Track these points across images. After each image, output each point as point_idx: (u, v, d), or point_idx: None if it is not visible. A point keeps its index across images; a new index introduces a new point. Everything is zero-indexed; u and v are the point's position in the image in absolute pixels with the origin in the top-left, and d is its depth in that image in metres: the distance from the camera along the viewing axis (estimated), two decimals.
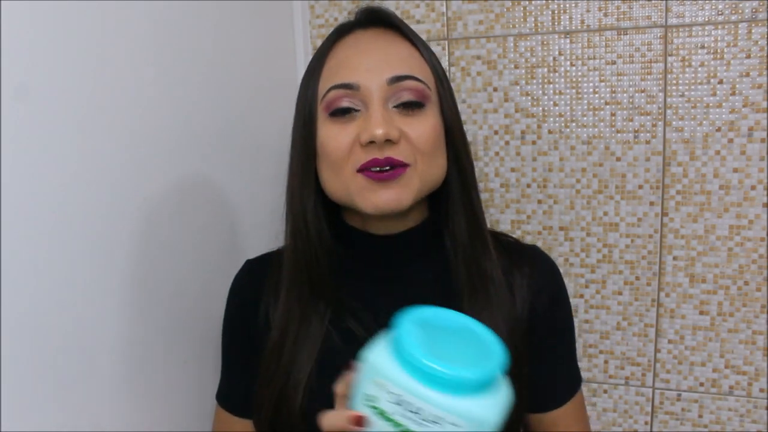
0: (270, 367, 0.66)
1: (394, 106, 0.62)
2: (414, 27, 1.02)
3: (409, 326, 0.47)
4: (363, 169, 0.61)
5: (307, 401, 0.63)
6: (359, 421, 0.47)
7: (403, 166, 0.61)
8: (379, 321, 0.65)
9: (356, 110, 0.62)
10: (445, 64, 1.01)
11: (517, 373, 0.62)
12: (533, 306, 0.68)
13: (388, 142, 0.60)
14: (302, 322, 0.66)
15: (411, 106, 0.62)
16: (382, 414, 0.45)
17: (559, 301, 0.72)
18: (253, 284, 0.72)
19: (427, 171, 0.63)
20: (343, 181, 0.62)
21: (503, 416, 0.46)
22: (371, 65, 0.62)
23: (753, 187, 0.91)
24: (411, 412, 0.44)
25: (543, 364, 0.69)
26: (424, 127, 0.62)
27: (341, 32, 0.67)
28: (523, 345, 0.66)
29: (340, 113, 0.62)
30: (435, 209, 0.69)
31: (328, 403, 0.62)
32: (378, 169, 0.60)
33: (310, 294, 0.66)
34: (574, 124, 0.97)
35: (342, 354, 0.63)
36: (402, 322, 0.47)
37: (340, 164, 0.62)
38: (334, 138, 0.62)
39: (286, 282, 0.67)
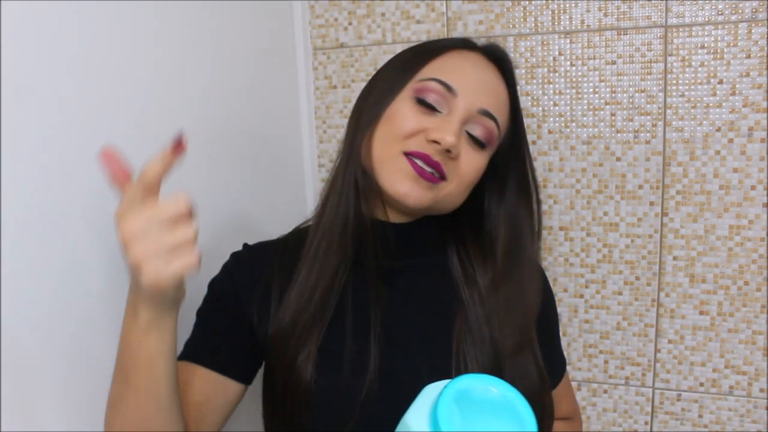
0: (282, 343, 0.66)
1: (466, 131, 0.66)
2: (414, 27, 1.02)
3: (449, 404, 0.48)
4: (411, 155, 0.64)
5: (315, 377, 0.64)
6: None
7: (442, 178, 0.65)
8: (381, 312, 0.67)
9: (439, 111, 0.66)
10: None
11: (543, 387, 0.68)
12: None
13: (447, 152, 0.64)
14: (329, 283, 0.67)
15: (476, 142, 0.67)
16: None
17: (549, 298, 0.78)
18: (252, 266, 0.71)
19: (453, 195, 0.67)
20: (386, 152, 0.65)
21: None
22: (477, 87, 0.67)
23: (753, 187, 0.91)
24: None
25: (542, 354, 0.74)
26: (477, 162, 0.67)
27: (467, 45, 0.71)
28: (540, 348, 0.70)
29: (425, 105, 0.66)
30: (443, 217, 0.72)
31: (332, 384, 0.63)
32: (422, 164, 0.64)
33: (342, 254, 0.67)
34: (574, 124, 0.97)
35: (346, 338, 0.65)
36: (443, 398, 0.48)
37: (395, 140, 0.65)
38: (408, 117, 0.65)
39: (324, 241, 0.68)
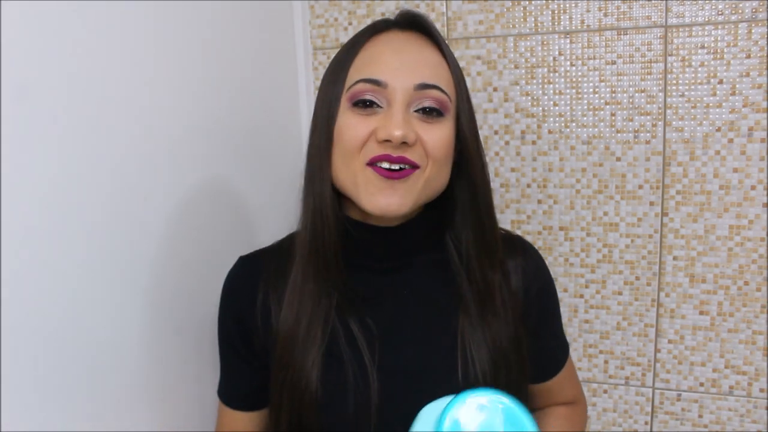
0: (284, 354, 0.67)
1: (415, 110, 0.64)
2: None
3: None
4: (373, 163, 0.63)
5: (319, 392, 0.65)
6: None
7: (414, 167, 0.63)
8: (380, 313, 0.67)
9: (379, 106, 0.64)
10: None
11: (519, 352, 0.68)
12: (527, 289, 0.73)
13: (404, 144, 0.62)
14: (314, 307, 0.67)
15: (431, 114, 0.64)
16: None
17: (547, 283, 0.77)
18: (248, 280, 0.72)
19: (434, 178, 0.65)
20: (352, 172, 0.64)
21: None
22: (402, 67, 0.64)
23: (753, 187, 0.91)
24: None
25: (539, 340, 0.74)
26: (439, 135, 0.65)
27: (378, 29, 0.69)
28: (522, 327, 0.70)
29: (363, 106, 0.64)
30: (433, 202, 0.71)
31: (333, 392, 0.64)
32: (388, 165, 0.62)
33: (323, 276, 0.67)
34: (574, 124, 0.97)
35: (342, 347, 0.66)
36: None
37: (352, 154, 0.64)
38: (353, 128, 0.64)
39: (301, 264, 0.68)
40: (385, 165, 0.62)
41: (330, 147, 0.66)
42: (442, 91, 0.65)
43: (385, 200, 0.62)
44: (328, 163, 0.66)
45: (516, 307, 0.70)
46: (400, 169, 0.62)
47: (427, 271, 0.71)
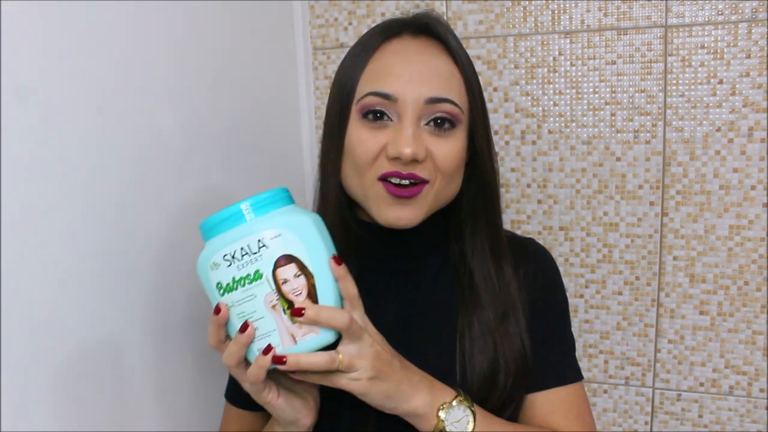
0: None
1: (426, 123, 0.64)
2: None
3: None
4: (384, 178, 0.63)
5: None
6: (218, 311, 0.55)
7: (423, 182, 0.63)
8: (382, 314, 0.67)
9: (390, 119, 0.64)
10: None
11: (521, 357, 0.67)
12: (528, 294, 0.70)
13: (414, 161, 0.62)
14: None
15: (442, 125, 0.64)
16: (225, 286, 0.54)
17: (551, 290, 0.73)
18: None
19: (443, 190, 0.66)
20: (363, 185, 0.65)
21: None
22: (412, 79, 0.63)
23: (753, 187, 0.91)
24: (234, 258, 0.53)
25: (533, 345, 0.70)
26: (450, 149, 0.64)
27: (390, 32, 0.67)
28: (525, 332, 0.68)
29: (374, 118, 0.64)
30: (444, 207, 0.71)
31: (332, 393, 0.62)
32: (398, 181, 0.62)
33: None
34: (574, 124, 0.97)
35: None
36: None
37: (363, 169, 0.64)
38: (364, 143, 0.64)
39: None
40: (395, 180, 0.63)
41: (340, 156, 0.66)
42: (454, 104, 0.64)
43: (395, 214, 0.63)
44: (338, 168, 0.67)
45: (519, 311, 0.69)
46: (411, 184, 0.63)
47: (431, 274, 0.71)
